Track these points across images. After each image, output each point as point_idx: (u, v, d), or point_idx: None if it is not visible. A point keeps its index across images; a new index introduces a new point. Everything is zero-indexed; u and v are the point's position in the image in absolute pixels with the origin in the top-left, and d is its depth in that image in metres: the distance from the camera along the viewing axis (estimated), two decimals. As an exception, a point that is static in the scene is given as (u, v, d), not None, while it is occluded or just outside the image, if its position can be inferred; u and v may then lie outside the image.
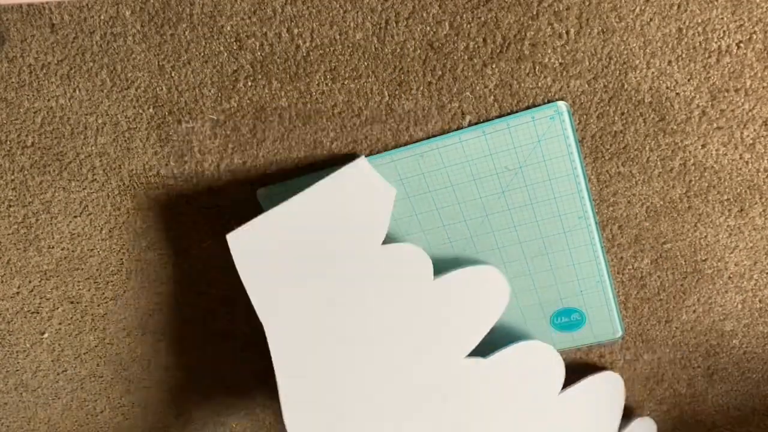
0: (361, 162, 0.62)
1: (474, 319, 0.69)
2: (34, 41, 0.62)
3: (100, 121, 0.67)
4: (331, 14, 0.58)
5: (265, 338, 0.85)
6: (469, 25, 0.57)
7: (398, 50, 0.59)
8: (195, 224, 0.74)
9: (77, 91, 0.65)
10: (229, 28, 0.59)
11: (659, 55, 0.57)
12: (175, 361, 0.89)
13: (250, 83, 0.62)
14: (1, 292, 0.83)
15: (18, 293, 0.83)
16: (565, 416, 0.77)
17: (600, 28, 0.56)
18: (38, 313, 0.85)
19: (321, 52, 0.60)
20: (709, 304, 0.75)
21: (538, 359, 0.74)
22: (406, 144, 0.65)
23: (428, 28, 0.58)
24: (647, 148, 0.63)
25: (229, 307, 0.81)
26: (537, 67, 0.59)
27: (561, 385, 0.76)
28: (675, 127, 0.61)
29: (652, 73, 0.58)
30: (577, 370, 0.80)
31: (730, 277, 0.72)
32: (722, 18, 0.55)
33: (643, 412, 0.86)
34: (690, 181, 0.65)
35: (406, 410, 0.71)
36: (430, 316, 0.68)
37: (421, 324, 0.68)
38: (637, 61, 0.57)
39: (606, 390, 0.78)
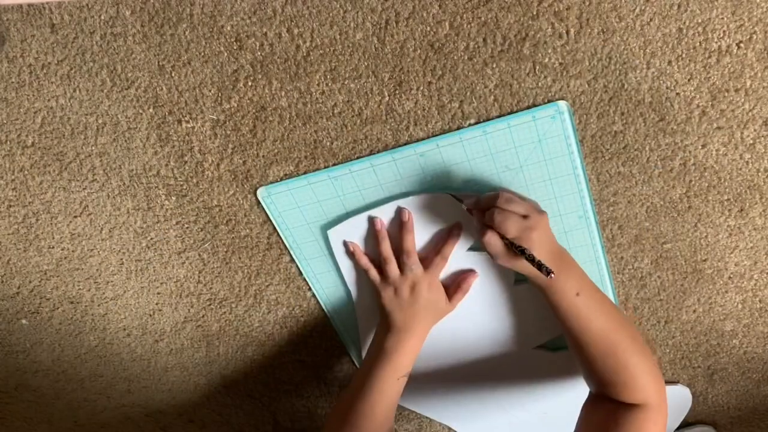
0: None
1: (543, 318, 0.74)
2: (34, 41, 0.62)
3: (100, 121, 0.67)
4: (331, 14, 0.58)
5: (266, 337, 0.85)
6: (469, 25, 0.57)
7: (398, 50, 0.59)
8: (195, 224, 0.74)
9: (77, 91, 0.65)
10: (229, 28, 0.59)
11: (659, 55, 0.57)
12: (175, 361, 0.89)
13: (250, 83, 0.62)
14: (1, 292, 0.83)
15: (18, 293, 0.83)
16: None
17: (600, 28, 0.56)
18: (38, 313, 0.85)
19: (321, 52, 0.60)
20: (709, 304, 0.75)
21: None
22: (406, 144, 0.65)
23: (428, 28, 0.58)
24: (647, 148, 0.63)
25: (228, 307, 0.82)
26: (537, 67, 0.59)
27: None
28: (675, 127, 0.61)
29: (652, 73, 0.58)
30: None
31: (730, 277, 0.72)
32: (722, 18, 0.55)
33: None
34: (690, 181, 0.65)
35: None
36: (508, 314, 0.75)
37: (500, 320, 0.76)
38: (637, 61, 0.57)
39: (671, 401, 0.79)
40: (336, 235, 0.71)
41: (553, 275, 0.57)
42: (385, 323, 0.70)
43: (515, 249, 0.59)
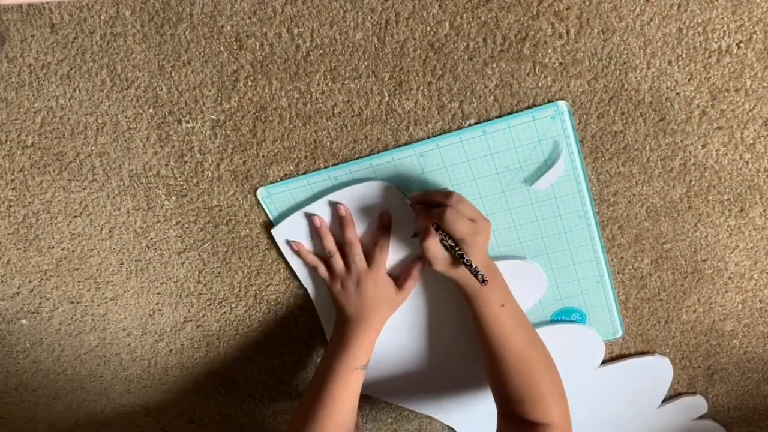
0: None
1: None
2: (34, 41, 0.62)
3: (100, 121, 0.67)
4: (331, 14, 0.58)
5: (266, 337, 0.85)
6: (469, 25, 0.57)
7: (398, 50, 0.59)
8: (195, 224, 0.74)
9: (77, 91, 0.65)
10: (229, 28, 0.59)
11: (659, 55, 0.57)
12: (175, 361, 0.89)
13: (250, 83, 0.62)
14: (1, 292, 0.83)
15: (18, 293, 0.83)
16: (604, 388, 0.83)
17: (600, 28, 0.56)
18: (38, 313, 0.85)
19: (321, 52, 0.60)
20: (709, 304, 0.75)
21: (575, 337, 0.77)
22: (406, 144, 0.65)
23: (428, 28, 0.58)
24: (647, 148, 0.63)
25: (228, 307, 0.81)
26: (537, 67, 0.59)
27: (600, 361, 0.80)
28: (675, 127, 0.61)
29: (652, 73, 0.58)
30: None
31: (730, 277, 0.72)
32: (722, 18, 0.55)
33: (643, 412, 0.87)
34: (690, 181, 0.65)
35: None
36: None
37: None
38: (637, 61, 0.57)
39: (650, 371, 0.80)
40: (280, 233, 0.71)
41: (487, 282, 0.59)
42: (339, 316, 0.71)
43: (455, 254, 0.59)
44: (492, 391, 0.70)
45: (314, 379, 0.70)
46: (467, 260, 0.58)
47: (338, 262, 0.70)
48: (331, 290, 0.72)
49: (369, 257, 0.70)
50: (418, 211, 0.63)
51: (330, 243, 0.70)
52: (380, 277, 0.69)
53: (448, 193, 0.61)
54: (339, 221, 0.69)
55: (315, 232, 0.70)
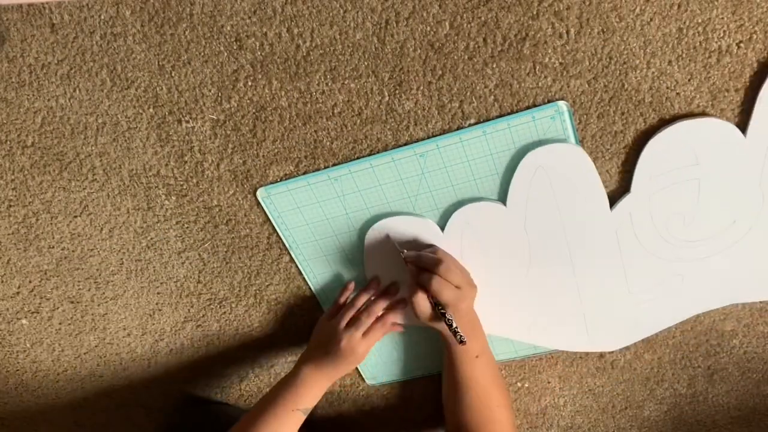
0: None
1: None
2: (34, 41, 0.62)
3: (100, 121, 0.67)
4: (331, 14, 0.58)
5: (266, 337, 0.85)
6: (469, 25, 0.57)
7: (398, 50, 0.59)
8: (195, 224, 0.74)
9: (77, 91, 0.65)
10: (229, 28, 0.59)
11: (659, 55, 0.57)
12: (175, 361, 0.89)
13: (250, 83, 0.62)
14: (1, 292, 0.83)
15: (18, 293, 0.83)
16: None
17: (600, 28, 0.56)
18: (38, 313, 0.85)
19: (321, 52, 0.60)
20: (709, 304, 0.75)
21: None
22: (406, 144, 0.65)
23: (428, 28, 0.58)
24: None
25: (228, 307, 0.81)
26: (537, 67, 0.59)
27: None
28: (675, 127, 0.61)
29: (653, 73, 0.58)
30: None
31: (730, 277, 0.72)
32: (722, 18, 0.55)
33: (643, 412, 0.87)
34: (690, 181, 0.65)
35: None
36: None
37: None
38: (638, 61, 0.57)
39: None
40: (373, 233, 0.71)
41: (464, 343, 0.64)
42: (307, 355, 0.73)
43: (439, 312, 0.65)
44: (446, 421, 0.74)
45: (258, 403, 0.71)
46: (448, 320, 0.64)
47: (346, 318, 0.71)
48: (318, 329, 0.74)
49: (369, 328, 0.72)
50: (411, 270, 0.67)
51: (360, 301, 0.72)
52: (367, 347, 0.71)
53: (437, 261, 0.64)
54: (378, 291, 0.73)
55: (364, 282, 0.74)
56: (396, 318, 0.73)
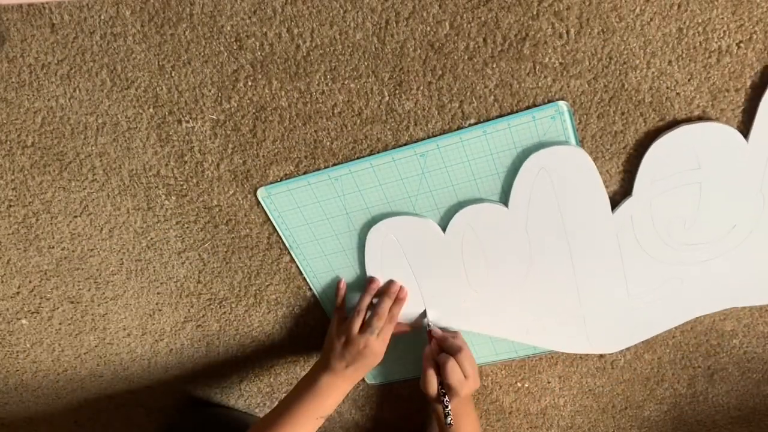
0: None
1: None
2: (34, 41, 0.62)
3: (100, 121, 0.67)
4: (331, 14, 0.58)
5: (266, 337, 0.85)
6: (469, 25, 0.57)
7: (398, 50, 0.59)
8: (195, 224, 0.74)
9: (77, 91, 0.65)
10: (229, 28, 0.59)
11: (659, 55, 0.57)
12: (175, 361, 0.89)
13: (250, 83, 0.62)
14: (1, 292, 0.83)
15: (18, 293, 0.83)
16: None
17: (600, 28, 0.56)
18: (38, 313, 0.85)
19: (321, 52, 0.60)
20: (709, 304, 0.75)
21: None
22: (406, 144, 0.65)
23: (428, 28, 0.58)
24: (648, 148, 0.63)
25: (228, 307, 0.82)
26: (537, 67, 0.59)
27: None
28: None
29: (653, 73, 0.58)
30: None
31: (730, 277, 0.72)
32: (722, 18, 0.55)
33: (643, 412, 0.87)
34: (690, 181, 0.65)
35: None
36: None
37: None
38: (638, 61, 0.57)
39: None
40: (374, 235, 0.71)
41: (450, 426, 0.71)
42: (324, 363, 0.73)
43: (440, 391, 0.71)
44: None
45: (277, 409, 0.71)
46: (446, 404, 0.71)
47: (357, 324, 0.72)
48: (331, 338, 0.74)
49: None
50: (432, 344, 0.74)
51: (365, 303, 0.73)
52: (382, 345, 0.72)
53: (459, 347, 0.71)
54: (385, 292, 0.74)
55: (365, 284, 0.75)
56: (400, 301, 0.75)
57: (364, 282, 0.75)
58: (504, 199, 0.66)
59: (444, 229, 0.69)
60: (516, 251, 0.69)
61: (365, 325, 0.72)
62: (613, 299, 0.72)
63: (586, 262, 0.69)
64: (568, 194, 0.64)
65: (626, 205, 0.65)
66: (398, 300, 0.74)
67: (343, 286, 0.76)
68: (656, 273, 0.69)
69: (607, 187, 0.65)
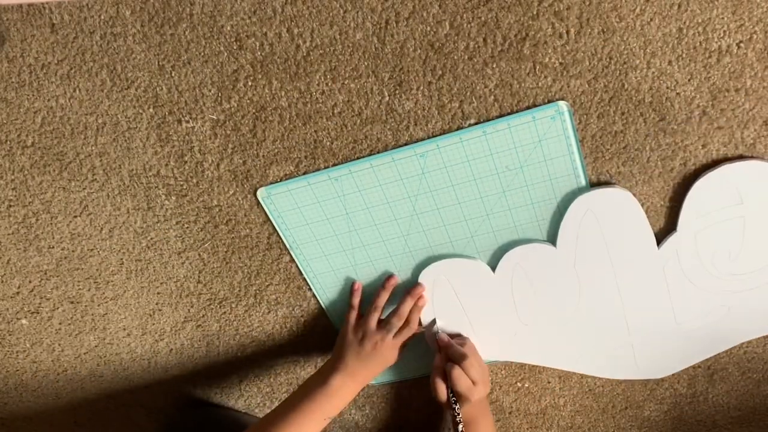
0: None
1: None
2: (34, 41, 0.62)
3: (100, 121, 0.67)
4: (331, 14, 0.58)
5: (266, 337, 0.85)
6: (469, 25, 0.57)
7: (398, 50, 0.59)
8: (195, 224, 0.74)
9: (77, 91, 0.65)
10: (229, 28, 0.59)
11: (659, 55, 0.57)
12: (175, 361, 0.89)
13: (250, 83, 0.62)
14: (1, 292, 0.83)
15: (18, 293, 0.83)
16: None
17: (600, 28, 0.56)
18: (38, 313, 0.85)
19: (321, 52, 0.60)
20: (710, 304, 0.75)
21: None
22: (406, 144, 0.65)
23: (428, 28, 0.58)
24: (647, 148, 0.63)
25: (228, 307, 0.82)
26: (537, 67, 0.59)
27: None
28: (675, 127, 0.61)
29: (653, 73, 0.58)
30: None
31: (730, 277, 0.72)
32: (722, 18, 0.55)
33: (643, 412, 0.87)
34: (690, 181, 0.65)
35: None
36: None
37: None
38: (638, 61, 0.57)
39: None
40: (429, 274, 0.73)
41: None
42: (337, 362, 0.73)
43: (451, 400, 0.71)
44: None
45: (284, 406, 0.71)
46: (456, 411, 0.71)
47: (374, 321, 0.73)
48: (345, 336, 0.74)
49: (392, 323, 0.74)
50: (441, 352, 0.74)
51: (383, 300, 0.74)
52: (397, 347, 0.73)
53: (463, 355, 0.71)
54: (407, 292, 0.74)
55: (381, 285, 0.75)
56: (418, 308, 0.75)
57: (364, 282, 0.75)
58: (552, 238, 0.68)
59: (494, 269, 0.71)
60: (565, 287, 0.71)
61: (384, 323, 0.73)
62: (662, 328, 0.74)
63: (633, 294, 0.71)
64: (614, 233, 0.66)
65: (671, 240, 0.66)
66: (416, 307, 0.74)
67: (358, 287, 0.76)
68: (703, 302, 0.71)
69: (652, 224, 0.66)
